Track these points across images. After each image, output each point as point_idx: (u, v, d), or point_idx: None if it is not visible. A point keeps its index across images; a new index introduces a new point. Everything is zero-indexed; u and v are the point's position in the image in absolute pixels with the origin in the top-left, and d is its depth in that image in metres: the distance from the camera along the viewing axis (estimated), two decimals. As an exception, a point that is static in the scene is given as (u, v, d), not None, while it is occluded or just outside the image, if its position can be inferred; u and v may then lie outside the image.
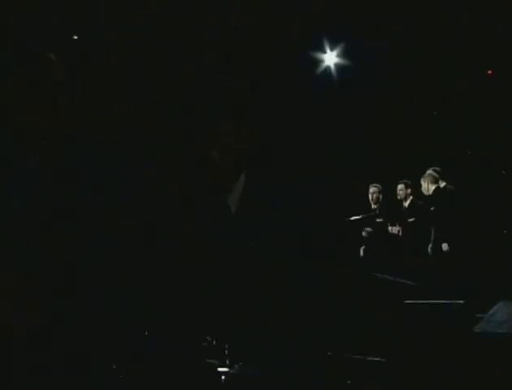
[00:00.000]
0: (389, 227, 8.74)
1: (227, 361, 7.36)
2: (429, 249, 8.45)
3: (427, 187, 8.39)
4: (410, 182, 8.90)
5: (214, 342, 7.92)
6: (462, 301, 6.50)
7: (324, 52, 10.36)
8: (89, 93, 8.67)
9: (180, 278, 9.70)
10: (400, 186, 8.94)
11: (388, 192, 9.08)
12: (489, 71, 9.24)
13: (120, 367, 6.49)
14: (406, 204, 8.93)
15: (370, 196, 9.12)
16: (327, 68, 10.45)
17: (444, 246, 8.21)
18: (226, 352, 7.51)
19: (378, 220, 8.95)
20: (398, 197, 8.89)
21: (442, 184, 8.41)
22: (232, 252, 10.05)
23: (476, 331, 5.95)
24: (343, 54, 10.23)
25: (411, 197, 8.91)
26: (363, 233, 8.96)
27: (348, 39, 10.20)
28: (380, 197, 9.10)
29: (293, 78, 9.95)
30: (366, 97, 10.01)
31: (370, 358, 6.47)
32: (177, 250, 9.33)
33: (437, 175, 8.40)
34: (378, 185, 9.19)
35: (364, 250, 9.07)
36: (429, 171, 8.41)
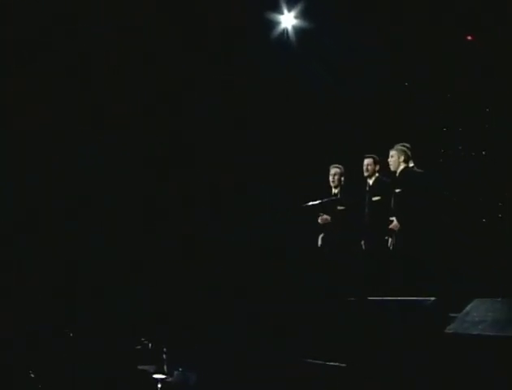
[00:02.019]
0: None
1: (165, 368, 7.33)
2: (390, 240, 8.47)
3: (397, 163, 8.36)
4: (377, 157, 8.84)
5: (149, 345, 7.86)
6: (432, 299, 6.53)
7: (281, 13, 10.35)
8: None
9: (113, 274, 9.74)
10: (367, 160, 8.81)
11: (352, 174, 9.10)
12: (469, 37, 9.34)
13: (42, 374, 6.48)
14: (371, 181, 8.90)
15: (330, 178, 9.04)
16: (285, 30, 10.47)
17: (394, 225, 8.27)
18: (164, 356, 7.46)
19: (339, 207, 8.91)
20: (365, 174, 8.83)
21: (411, 165, 8.41)
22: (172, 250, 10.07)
23: (448, 332, 6.02)
24: (301, 15, 10.25)
25: (377, 175, 8.88)
26: (319, 220, 8.91)
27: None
28: (342, 179, 9.04)
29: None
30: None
31: (328, 363, 6.51)
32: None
33: (409, 153, 8.38)
34: (340, 166, 9.12)
35: (322, 239, 9.15)
36: (401, 147, 8.35)
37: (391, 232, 8.38)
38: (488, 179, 9.17)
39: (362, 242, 8.82)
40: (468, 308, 6.25)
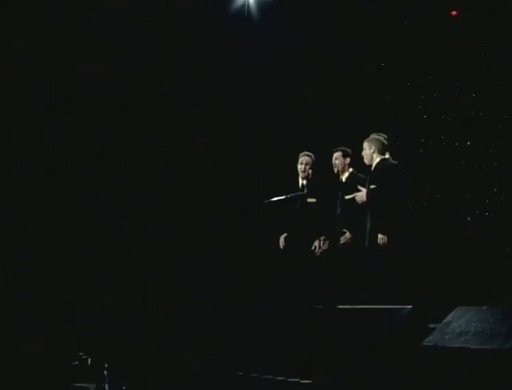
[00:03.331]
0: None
1: (106, 386, 7.30)
2: (366, 239, 8.46)
3: (372, 155, 8.31)
4: (348, 150, 8.82)
5: (88, 360, 7.81)
6: (408, 307, 6.59)
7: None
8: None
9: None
10: (335, 154, 8.78)
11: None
12: (453, 12, 9.45)
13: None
14: (344, 177, 8.87)
15: (299, 167, 8.94)
16: (245, 4, 10.56)
17: (380, 238, 8.15)
18: (105, 373, 7.43)
19: (309, 200, 8.83)
20: (335, 170, 8.79)
21: (387, 156, 8.39)
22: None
23: (427, 345, 6.05)
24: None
25: (351, 169, 8.87)
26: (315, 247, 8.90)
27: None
28: (310, 171, 8.95)
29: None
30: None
31: (291, 379, 6.52)
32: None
33: (386, 143, 8.33)
34: (310, 154, 9.04)
35: (285, 239, 9.18)
36: (377, 136, 8.31)
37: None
38: (473, 173, 9.23)
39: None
40: (449, 317, 6.28)
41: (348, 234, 8.56)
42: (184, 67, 10.82)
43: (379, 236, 7.99)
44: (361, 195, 8.33)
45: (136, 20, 10.49)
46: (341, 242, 8.58)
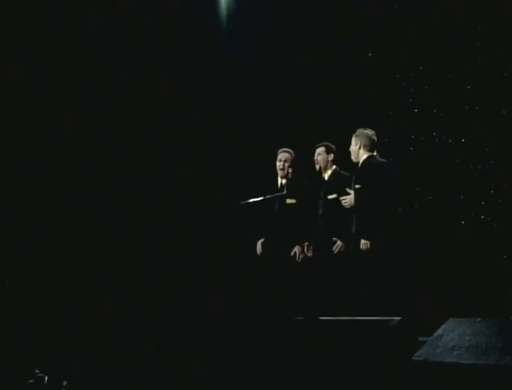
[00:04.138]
0: None
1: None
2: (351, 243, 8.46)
3: (358, 152, 8.28)
4: (332, 145, 8.80)
5: (45, 378, 7.72)
6: (396, 319, 6.57)
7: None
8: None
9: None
10: (318, 150, 8.72)
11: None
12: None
13: None
14: (326, 175, 8.82)
15: (278, 164, 8.88)
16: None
17: (363, 243, 8.13)
18: (64, 391, 7.32)
19: (289, 201, 8.78)
20: (317, 167, 8.76)
21: (375, 153, 8.34)
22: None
23: (416, 360, 6.02)
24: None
25: (334, 167, 8.83)
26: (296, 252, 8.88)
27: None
28: (290, 169, 8.88)
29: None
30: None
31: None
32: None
33: (375, 139, 8.28)
34: (290, 151, 8.99)
35: (262, 244, 9.11)
36: (365, 131, 8.29)
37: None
38: (469, 172, 9.22)
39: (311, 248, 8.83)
40: (441, 330, 6.28)
41: (339, 242, 8.52)
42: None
43: (362, 241, 7.95)
44: (349, 198, 8.29)
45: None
46: (334, 252, 8.54)
